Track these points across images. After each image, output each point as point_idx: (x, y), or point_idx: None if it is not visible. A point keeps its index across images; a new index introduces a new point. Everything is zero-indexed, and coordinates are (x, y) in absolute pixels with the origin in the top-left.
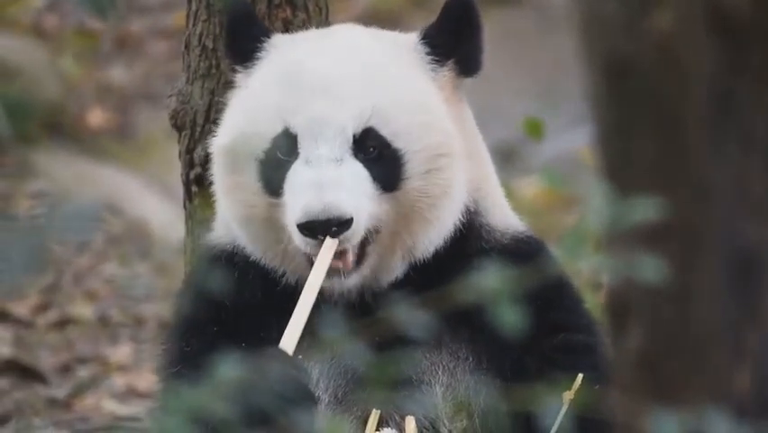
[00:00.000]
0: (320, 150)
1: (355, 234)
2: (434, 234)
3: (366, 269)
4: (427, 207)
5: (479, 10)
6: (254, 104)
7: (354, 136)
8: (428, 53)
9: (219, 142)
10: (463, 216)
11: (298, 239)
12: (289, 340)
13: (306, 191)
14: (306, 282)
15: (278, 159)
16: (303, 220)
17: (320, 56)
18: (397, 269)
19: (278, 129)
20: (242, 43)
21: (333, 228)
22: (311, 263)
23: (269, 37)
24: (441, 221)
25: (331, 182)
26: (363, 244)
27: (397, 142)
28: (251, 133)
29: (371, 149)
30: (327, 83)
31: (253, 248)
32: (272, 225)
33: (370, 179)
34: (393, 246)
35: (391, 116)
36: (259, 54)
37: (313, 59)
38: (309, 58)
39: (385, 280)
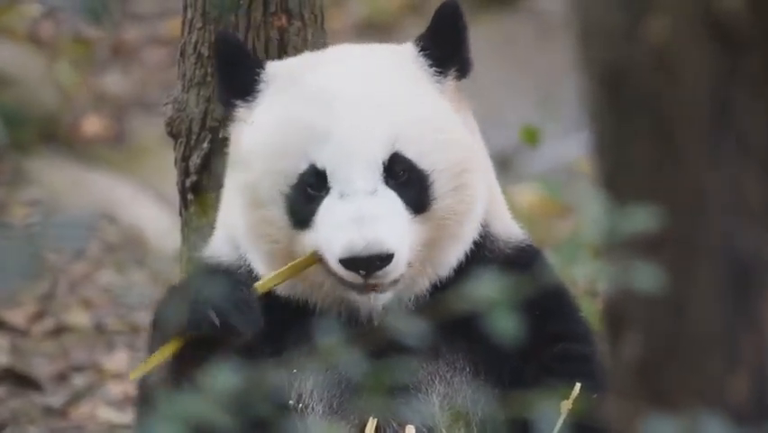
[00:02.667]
0: (353, 183)
1: (397, 268)
2: (459, 250)
3: (399, 288)
4: (456, 224)
5: (464, 11)
6: (272, 140)
7: (384, 164)
8: (431, 65)
9: (241, 179)
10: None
11: (340, 271)
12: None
13: (346, 227)
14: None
15: (308, 194)
16: (346, 256)
17: (333, 84)
18: (422, 287)
19: (305, 165)
20: (238, 78)
21: (377, 263)
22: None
23: (263, 67)
24: (466, 236)
25: (370, 216)
26: None
27: (423, 163)
28: (275, 169)
29: (401, 173)
30: (348, 113)
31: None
32: (295, 258)
33: (403, 205)
34: (423, 266)
35: (414, 137)
36: (258, 87)
37: (326, 88)
38: (321, 87)
39: (408, 298)
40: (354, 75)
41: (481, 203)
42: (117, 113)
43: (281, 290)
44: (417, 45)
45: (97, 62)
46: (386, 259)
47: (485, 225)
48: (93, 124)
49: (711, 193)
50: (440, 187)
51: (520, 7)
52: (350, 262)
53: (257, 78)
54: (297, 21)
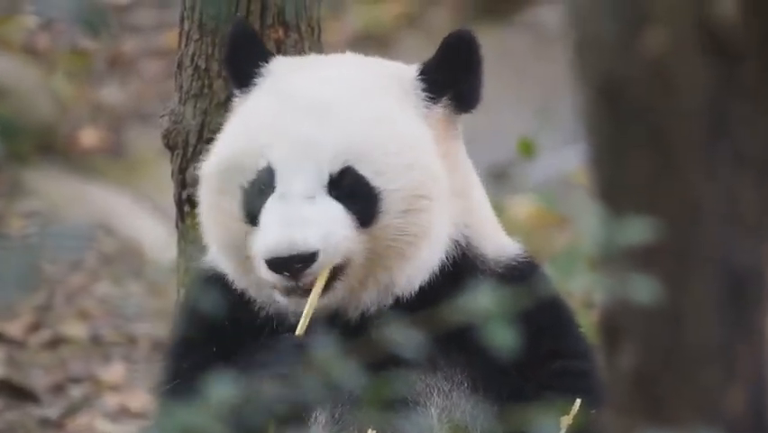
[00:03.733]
0: (293, 186)
1: (321, 264)
2: (413, 271)
3: (327, 299)
4: (405, 245)
5: (479, 44)
6: (243, 134)
7: (331, 175)
8: (424, 89)
9: (208, 166)
10: (455, 251)
11: (264, 271)
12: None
13: (273, 227)
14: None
15: (261, 190)
16: (267, 256)
17: (307, 90)
18: (369, 303)
19: (263, 162)
20: (241, 67)
21: (298, 265)
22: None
23: (267, 61)
24: (420, 259)
25: (299, 220)
26: (333, 275)
27: (376, 181)
28: (238, 162)
29: (346, 187)
30: (308, 119)
31: (233, 274)
32: (246, 253)
33: (344, 214)
34: (365, 281)
35: (371, 156)
36: (256, 79)
37: (300, 92)
38: (297, 91)
39: (354, 314)
40: (331, 84)
41: (441, 229)
42: (114, 125)
43: (237, 282)
44: (419, 69)
45: (94, 74)
46: (309, 259)
47: (471, 248)
48: (90, 136)
49: (707, 204)
50: (389, 206)
51: (516, 20)
52: (272, 264)
53: (257, 70)
54: (294, 33)
